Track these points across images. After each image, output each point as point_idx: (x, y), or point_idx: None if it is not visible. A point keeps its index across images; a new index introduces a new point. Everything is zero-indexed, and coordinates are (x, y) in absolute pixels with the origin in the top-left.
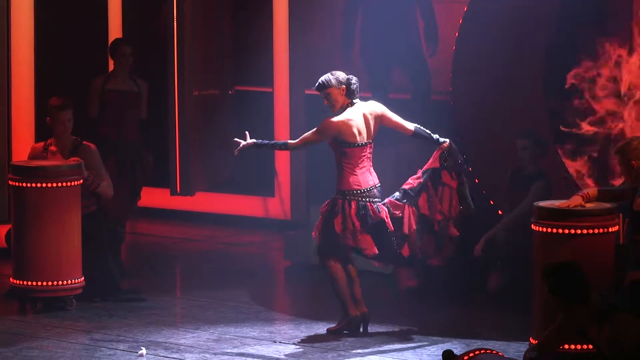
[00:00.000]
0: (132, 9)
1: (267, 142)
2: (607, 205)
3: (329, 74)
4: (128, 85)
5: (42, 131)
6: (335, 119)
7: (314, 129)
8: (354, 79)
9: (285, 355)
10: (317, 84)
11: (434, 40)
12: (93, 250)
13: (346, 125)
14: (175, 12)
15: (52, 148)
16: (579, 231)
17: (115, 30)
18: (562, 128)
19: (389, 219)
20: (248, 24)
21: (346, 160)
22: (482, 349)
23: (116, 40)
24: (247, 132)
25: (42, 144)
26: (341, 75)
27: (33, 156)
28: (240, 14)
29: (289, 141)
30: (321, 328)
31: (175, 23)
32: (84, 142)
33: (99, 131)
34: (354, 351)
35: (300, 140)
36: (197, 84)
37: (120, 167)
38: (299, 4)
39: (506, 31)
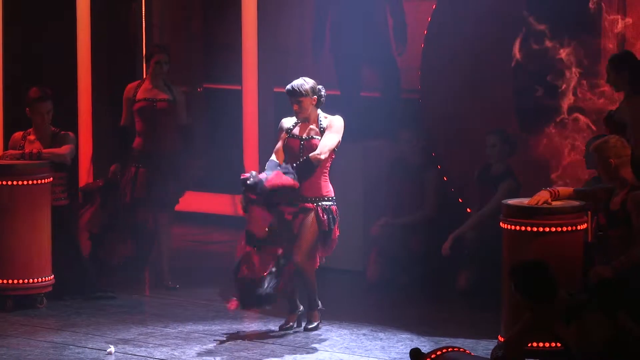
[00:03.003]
0: (100, 6)
1: (292, 171)
2: (576, 203)
3: (302, 81)
4: (160, 93)
5: (9, 126)
6: (341, 120)
7: (332, 133)
8: (323, 90)
9: (254, 353)
10: (290, 89)
11: (403, 39)
12: (62, 245)
13: None
14: (144, 10)
15: (30, 137)
16: (547, 229)
17: (83, 26)
18: None
19: None
20: (217, 22)
21: (328, 165)
22: (450, 347)
23: (152, 47)
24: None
25: (21, 133)
26: (314, 84)
27: (12, 146)
28: (209, 12)
29: (314, 155)
30: (285, 330)
31: (144, 21)
32: (62, 132)
33: (132, 143)
34: (322, 349)
35: (325, 149)
36: None
37: (150, 179)
38: (268, 2)
39: (475, 29)
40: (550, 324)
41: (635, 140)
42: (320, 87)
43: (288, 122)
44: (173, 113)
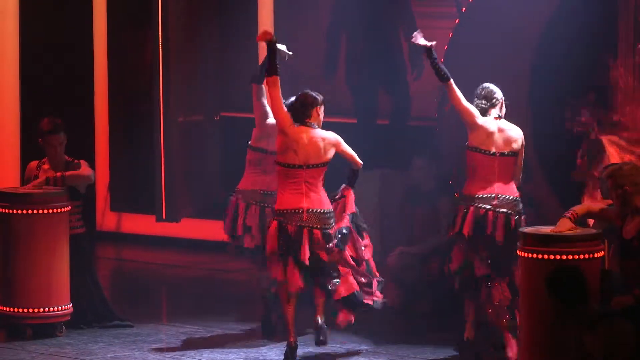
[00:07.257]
0: (117, 34)
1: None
2: (593, 230)
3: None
4: None
5: (27, 154)
6: None
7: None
8: None
9: None
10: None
11: (419, 65)
12: (79, 274)
13: None
14: (160, 38)
15: (45, 167)
16: (564, 257)
17: (100, 55)
18: None
19: None
20: (233, 49)
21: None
22: None
23: None
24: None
25: (36, 162)
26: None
27: (28, 175)
28: (226, 39)
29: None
30: (308, 352)
31: (160, 48)
32: (76, 161)
33: None
34: None
35: None
36: (182, 110)
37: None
38: (283, 29)
39: (491, 58)
40: (579, 333)
41: None
42: None
43: None
44: None
